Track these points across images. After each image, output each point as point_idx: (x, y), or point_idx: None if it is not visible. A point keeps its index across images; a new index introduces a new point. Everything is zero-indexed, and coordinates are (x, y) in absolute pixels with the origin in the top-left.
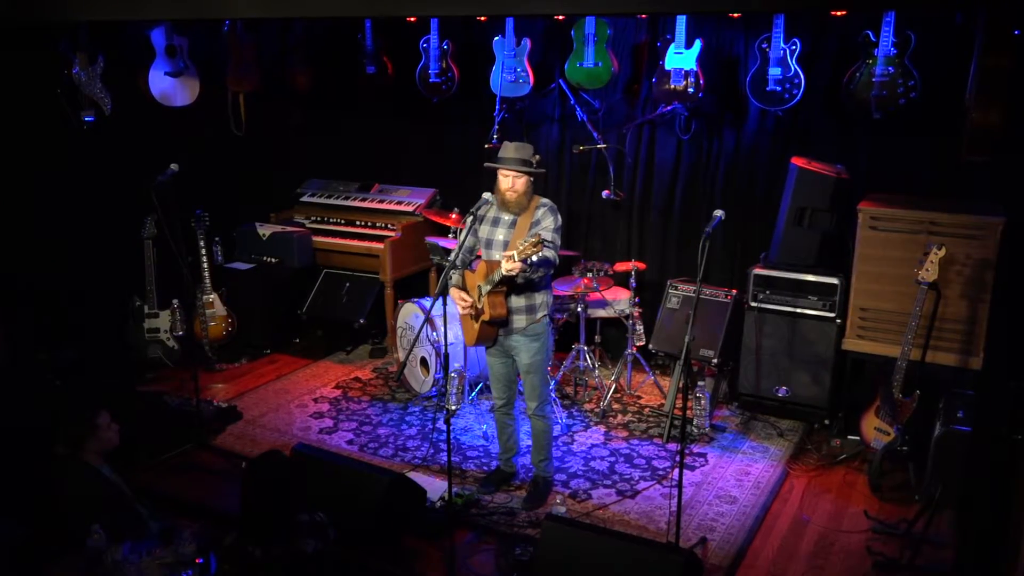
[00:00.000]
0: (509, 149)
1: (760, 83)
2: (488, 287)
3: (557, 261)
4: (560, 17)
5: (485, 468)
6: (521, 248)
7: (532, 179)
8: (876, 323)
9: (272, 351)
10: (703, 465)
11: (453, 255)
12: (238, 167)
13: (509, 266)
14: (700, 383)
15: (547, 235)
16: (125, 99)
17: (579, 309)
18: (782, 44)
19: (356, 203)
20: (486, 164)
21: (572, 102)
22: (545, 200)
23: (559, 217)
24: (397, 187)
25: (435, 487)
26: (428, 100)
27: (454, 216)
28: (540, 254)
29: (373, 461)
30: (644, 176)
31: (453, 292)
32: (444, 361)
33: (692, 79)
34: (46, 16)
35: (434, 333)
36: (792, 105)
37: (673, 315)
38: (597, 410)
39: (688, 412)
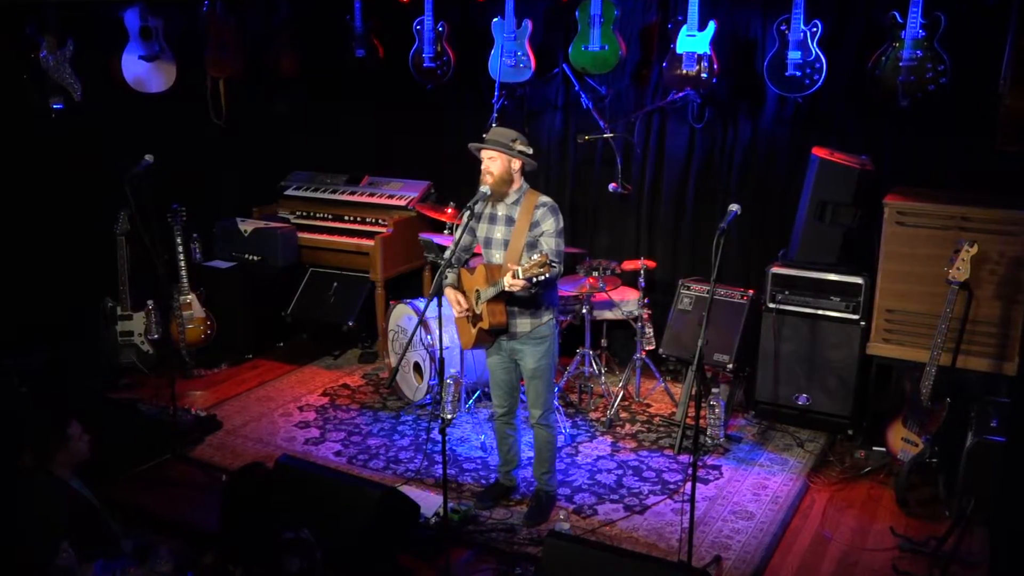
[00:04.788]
0: (490, 132)
1: (779, 68)
2: (488, 294)
3: (561, 270)
4: None
5: (483, 482)
6: (526, 266)
7: (516, 167)
8: (903, 326)
9: (254, 356)
10: (717, 478)
11: (448, 253)
12: (218, 158)
13: (512, 282)
14: (714, 390)
15: (550, 241)
16: (96, 85)
17: (584, 311)
18: (802, 26)
19: (344, 197)
20: (470, 145)
21: (577, 88)
22: (545, 199)
23: (561, 218)
24: (388, 180)
25: (429, 502)
26: (422, 86)
27: (450, 211)
28: (546, 275)
29: (363, 474)
30: (654, 168)
31: (448, 293)
32: (439, 366)
33: (705, 63)
34: None
35: (428, 336)
36: (813, 91)
37: (685, 317)
38: (603, 419)
39: (701, 421)
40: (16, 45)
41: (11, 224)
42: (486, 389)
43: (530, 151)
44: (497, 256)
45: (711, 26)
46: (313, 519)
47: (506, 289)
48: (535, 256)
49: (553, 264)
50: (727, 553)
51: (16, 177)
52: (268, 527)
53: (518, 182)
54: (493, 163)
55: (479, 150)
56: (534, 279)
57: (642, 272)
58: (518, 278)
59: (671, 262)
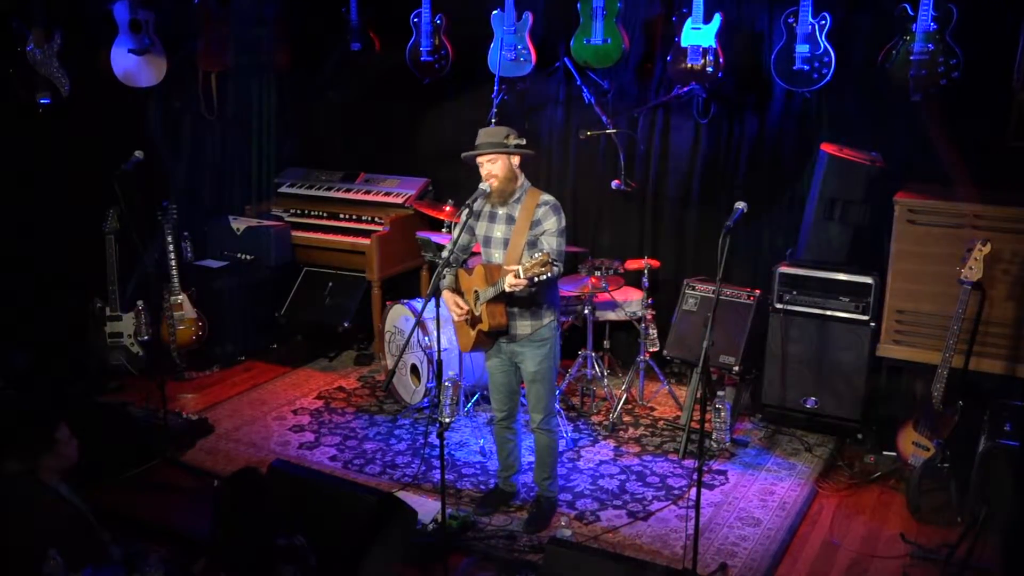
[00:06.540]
0: (479, 136)
1: (786, 62)
2: (488, 295)
3: (561, 271)
4: None
5: (482, 487)
6: (527, 265)
7: (515, 163)
8: (914, 327)
9: (247, 358)
10: (723, 483)
11: (446, 252)
12: (209, 154)
13: (513, 282)
14: (720, 393)
15: (551, 240)
16: (85, 79)
17: (586, 311)
18: (810, 18)
19: (340, 194)
20: (462, 156)
21: (579, 82)
22: (547, 197)
23: (563, 218)
24: (385, 177)
25: (427, 508)
26: (419, 80)
27: (448, 209)
28: (548, 274)
29: (358, 479)
30: (658, 164)
31: (446, 297)
32: (437, 369)
33: (711, 57)
34: None
35: (426, 338)
36: (821, 86)
37: (690, 318)
38: (606, 423)
39: (706, 425)
40: (2, 38)
41: None
42: (485, 392)
43: (524, 141)
44: (496, 255)
45: (717, 19)
46: (307, 525)
47: (507, 290)
48: (536, 255)
49: (555, 263)
50: (733, 560)
51: (2, 174)
52: (261, 534)
53: (520, 178)
54: (494, 165)
55: (474, 158)
56: (535, 279)
57: (646, 272)
58: (519, 278)
59: (675, 261)
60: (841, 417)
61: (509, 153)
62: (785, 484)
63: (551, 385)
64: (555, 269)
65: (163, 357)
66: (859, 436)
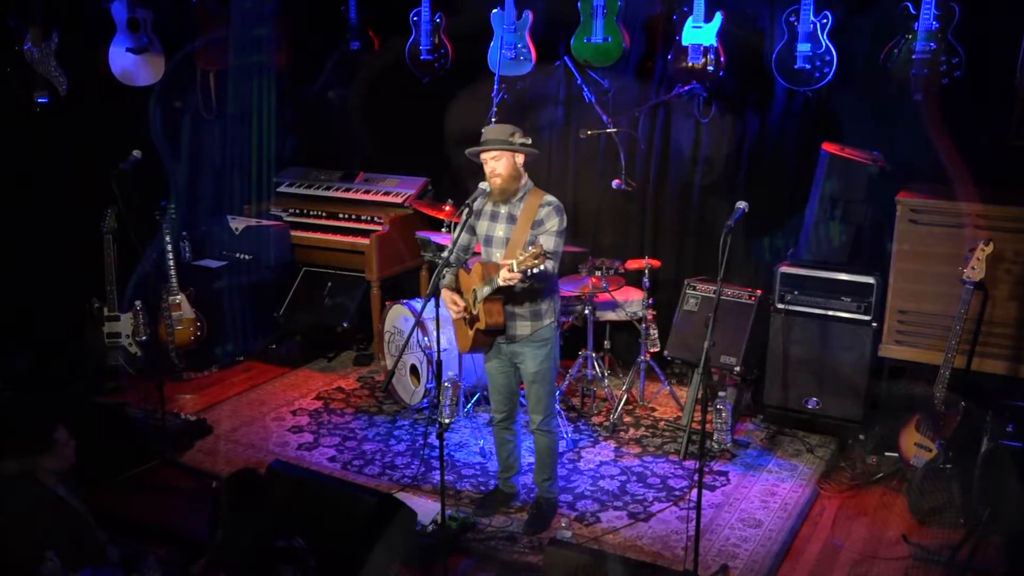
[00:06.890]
0: (485, 133)
1: (788, 60)
2: (484, 293)
3: (556, 271)
4: None
5: (482, 488)
6: (521, 259)
7: (520, 161)
8: (916, 327)
9: (246, 358)
10: (724, 485)
11: (446, 252)
12: (208, 154)
13: (507, 275)
14: (721, 394)
15: (549, 240)
16: (83, 78)
17: (587, 311)
18: (812, 17)
19: (339, 194)
20: (467, 151)
21: (579, 81)
22: (550, 198)
23: (564, 219)
24: (384, 176)
25: (427, 509)
26: (419, 79)
27: (448, 208)
28: (541, 267)
29: (358, 480)
30: (658, 164)
31: (444, 295)
32: (436, 369)
33: (712, 56)
34: None
35: (425, 338)
36: (823, 85)
37: (691, 318)
38: (607, 424)
39: (708, 426)
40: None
41: None
42: (485, 392)
43: (529, 141)
44: (498, 255)
45: (718, 17)
46: (306, 526)
47: (501, 284)
48: (531, 248)
49: (548, 255)
50: (734, 562)
51: None
52: (260, 535)
53: (523, 177)
54: (498, 163)
55: (479, 154)
56: (529, 271)
57: (646, 271)
58: (513, 271)
59: (676, 261)
60: (843, 418)
61: (514, 151)
62: (787, 485)
63: (551, 386)
64: (548, 261)
65: (161, 357)
66: (861, 437)
